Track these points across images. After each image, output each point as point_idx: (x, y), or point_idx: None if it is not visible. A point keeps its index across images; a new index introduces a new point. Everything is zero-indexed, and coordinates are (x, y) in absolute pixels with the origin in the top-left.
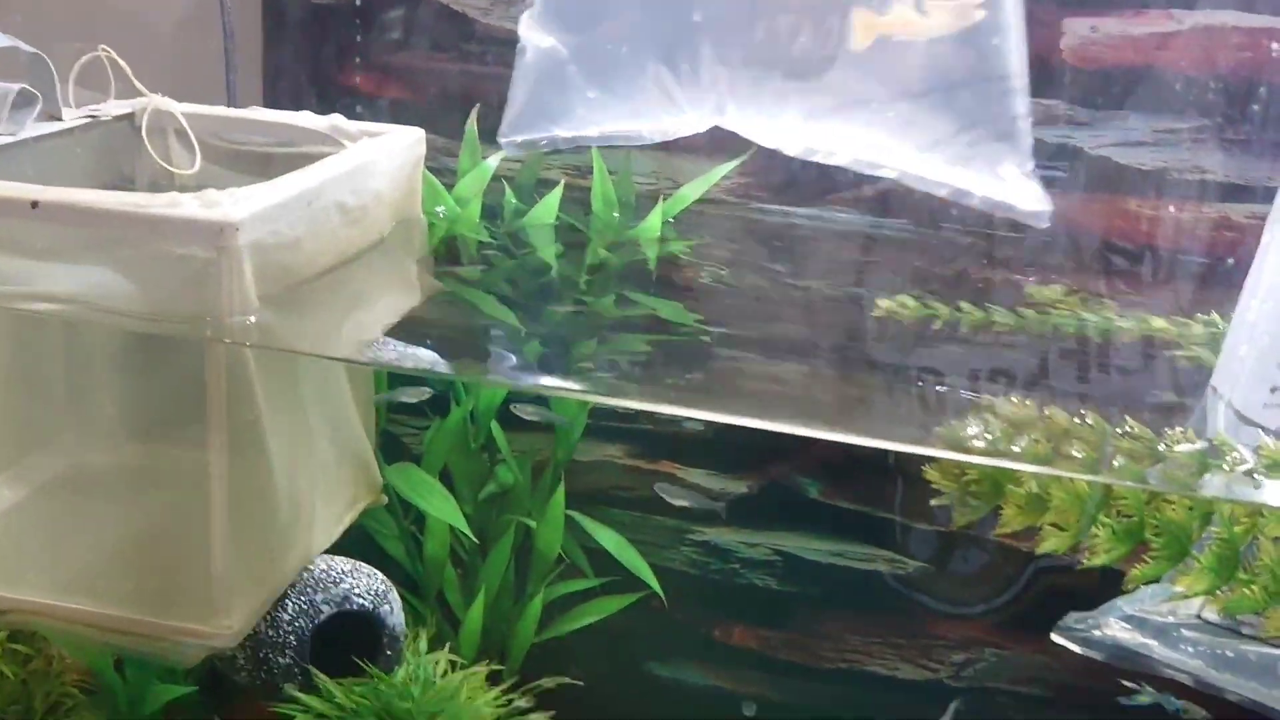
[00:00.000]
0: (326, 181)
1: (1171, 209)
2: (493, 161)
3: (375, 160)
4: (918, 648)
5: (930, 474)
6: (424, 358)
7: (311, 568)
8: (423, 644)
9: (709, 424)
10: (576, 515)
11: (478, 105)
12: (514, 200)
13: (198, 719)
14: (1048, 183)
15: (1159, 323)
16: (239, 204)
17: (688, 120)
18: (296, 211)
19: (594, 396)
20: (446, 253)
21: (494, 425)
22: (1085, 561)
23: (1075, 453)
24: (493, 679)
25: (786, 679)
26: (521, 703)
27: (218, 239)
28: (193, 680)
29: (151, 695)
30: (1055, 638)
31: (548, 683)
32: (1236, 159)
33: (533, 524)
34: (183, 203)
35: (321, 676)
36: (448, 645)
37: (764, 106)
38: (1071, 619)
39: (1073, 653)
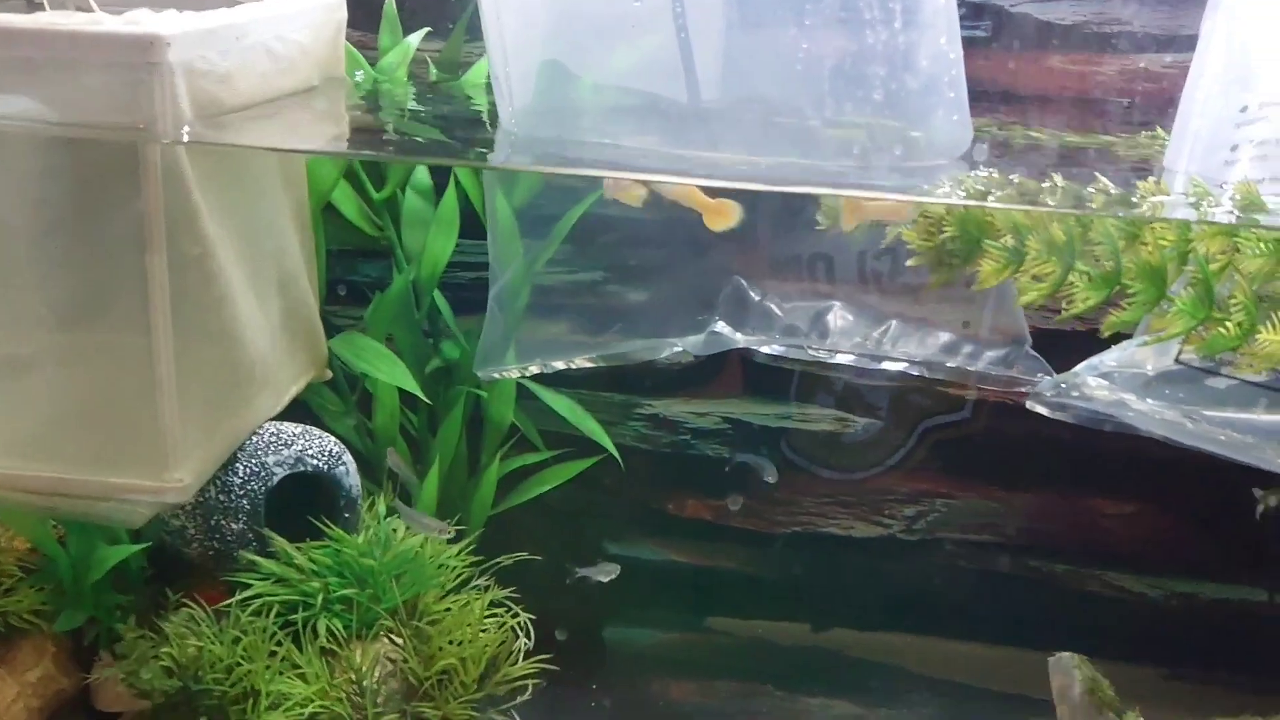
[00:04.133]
0: (253, 21)
1: (1092, 62)
2: (414, 39)
3: (299, 12)
4: (869, 505)
5: (907, 235)
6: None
7: (260, 431)
8: (380, 508)
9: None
10: (528, 384)
11: None
12: (436, 71)
13: (148, 594)
14: (969, 42)
15: (1105, 137)
16: (166, 23)
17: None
18: (226, 43)
19: (555, 168)
20: (373, 103)
21: (437, 294)
22: (1063, 312)
23: (1049, 201)
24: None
25: (741, 548)
26: (480, 582)
27: (148, 53)
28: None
29: (98, 560)
30: (1030, 405)
31: (505, 560)
32: (1151, 9)
33: (484, 394)
34: (105, 21)
35: (279, 539)
36: None
37: None
38: (1045, 385)
39: (1021, 496)
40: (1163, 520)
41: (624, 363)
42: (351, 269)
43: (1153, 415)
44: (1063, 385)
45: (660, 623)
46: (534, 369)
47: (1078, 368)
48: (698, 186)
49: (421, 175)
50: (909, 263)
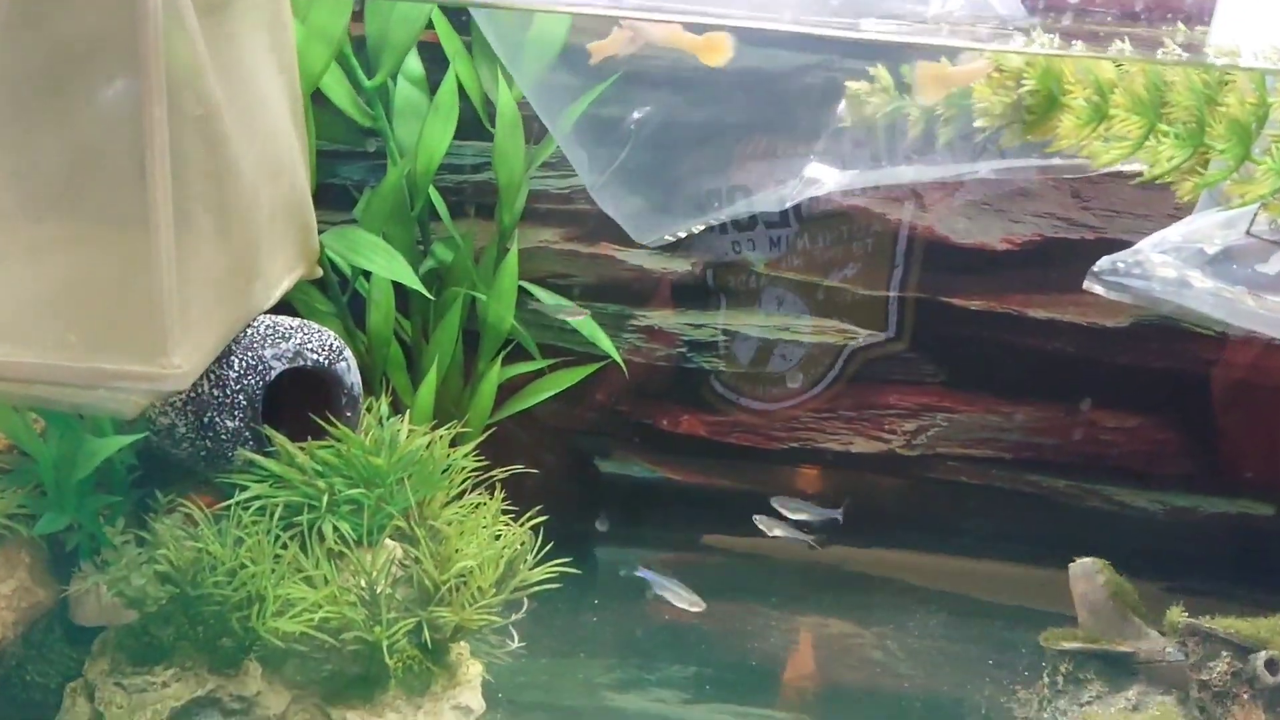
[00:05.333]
0: None
1: None
2: None
3: None
4: (870, 419)
5: (980, 90)
6: None
7: (257, 323)
8: (383, 409)
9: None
10: (527, 285)
11: None
12: None
13: (135, 497)
14: None
15: (1128, 29)
16: None
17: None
18: None
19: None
20: None
21: (432, 190)
22: (1145, 175)
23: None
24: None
25: (738, 464)
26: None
27: None
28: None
29: (84, 456)
30: (1087, 285)
31: (499, 473)
32: None
33: (481, 297)
34: None
35: (279, 437)
36: (407, 414)
37: None
38: (1104, 263)
39: (1023, 411)
40: (1163, 434)
41: (746, 213)
42: (331, 172)
43: (1213, 294)
44: (1122, 264)
45: (655, 541)
46: (681, 233)
47: (1140, 244)
48: (682, 27)
49: (413, 64)
50: (976, 124)
